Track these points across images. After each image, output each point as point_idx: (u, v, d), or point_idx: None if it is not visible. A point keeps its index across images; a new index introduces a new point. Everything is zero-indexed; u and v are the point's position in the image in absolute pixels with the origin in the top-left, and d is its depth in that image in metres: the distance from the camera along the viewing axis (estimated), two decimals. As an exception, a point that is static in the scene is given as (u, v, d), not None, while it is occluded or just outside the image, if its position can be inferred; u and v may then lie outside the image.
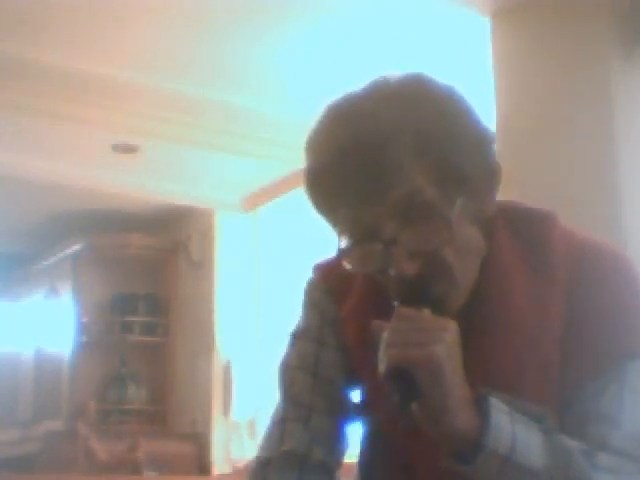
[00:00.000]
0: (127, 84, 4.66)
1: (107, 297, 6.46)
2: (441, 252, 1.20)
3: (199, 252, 6.25)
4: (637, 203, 3.36)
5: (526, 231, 1.31)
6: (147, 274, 6.57)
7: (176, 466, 5.67)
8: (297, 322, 1.43)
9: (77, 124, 4.84)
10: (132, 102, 4.75)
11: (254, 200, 6.02)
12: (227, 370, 5.92)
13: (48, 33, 4.24)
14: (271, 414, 1.40)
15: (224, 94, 4.84)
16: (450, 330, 1.15)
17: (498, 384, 1.20)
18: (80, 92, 4.61)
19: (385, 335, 1.16)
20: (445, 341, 1.14)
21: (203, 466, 5.84)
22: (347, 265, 1.25)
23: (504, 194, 1.30)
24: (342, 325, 1.36)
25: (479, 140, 1.24)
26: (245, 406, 5.86)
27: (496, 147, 1.27)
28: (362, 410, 1.37)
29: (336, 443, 1.36)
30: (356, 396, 1.39)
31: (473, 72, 4.01)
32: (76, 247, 6.44)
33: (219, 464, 5.83)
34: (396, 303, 1.21)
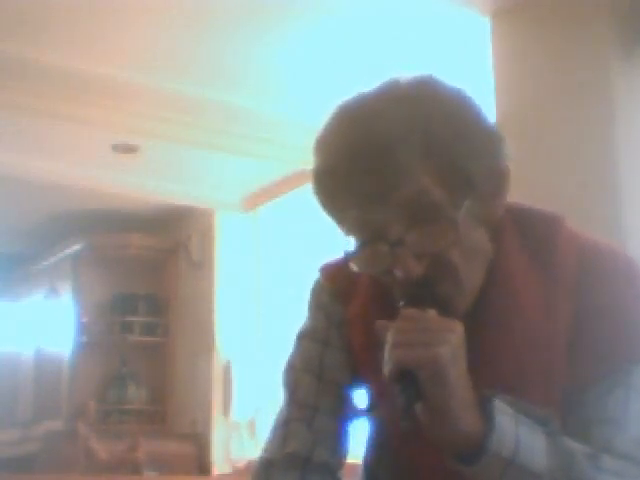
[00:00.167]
0: (127, 84, 4.66)
1: (107, 297, 6.46)
2: (447, 253, 1.20)
3: (199, 252, 6.25)
4: (637, 203, 3.36)
5: (533, 233, 1.31)
6: (147, 274, 6.57)
7: (176, 466, 5.67)
8: (303, 323, 1.43)
9: (77, 124, 4.84)
10: (132, 102, 4.75)
11: (254, 200, 6.02)
12: (227, 370, 5.92)
13: (48, 33, 4.24)
14: (275, 415, 1.39)
15: (224, 94, 4.83)
16: (455, 331, 1.15)
17: (503, 386, 1.20)
18: (80, 92, 4.61)
19: (389, 335, 1.16)
20: (450, 342, 1.13)
21: (203, 466, 5.84)
22: (353, 266, 1.25)
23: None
24: (348, 326, 1.36)
25: (488, 142, 1.24)
26: (245, 406, 5.86)
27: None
28: (367, 411, 1.37)
29: (339, 444, 1.36)
30: (362, 397, 1.38)
31: (473, 72, 4.01)
32: (76, 247, 6.43)
33: (219, 464, 5.83)
34: (401, 304, 1.21)
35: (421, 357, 1.12)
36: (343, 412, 1.35)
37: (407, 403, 1.13)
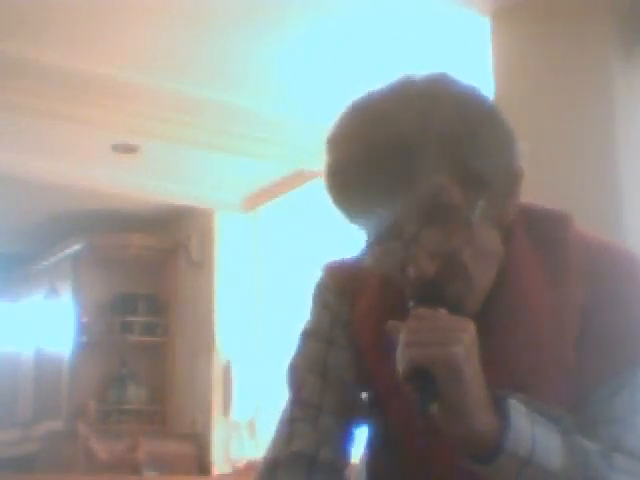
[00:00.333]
0: (127, 84, 4.66)
1: (107, 297, 6.46)
2: (460, 253, 1.20)
3: (199, 252, 6.25)
4: (637, 203, 3.36)
5: (543, 233, 1.31)
6: (147, 274, 6.57)
7: (176, 466, 5.67)
8: (306, 322, 1.42)
9: (77, 124, 4.84)
10: (132, 102, 4.75)
11: (254, 200, 6.02)
12: (227, 370, 5.92)
13: (48, 33, 4.24)
14: (279, 415, 1.38)
15: (224, 94, 4.83)
16: (469, 330, 1.15)
17: (515, 384, 1.20)
18: (80, 92, 4.61)
19: (403, 335, 1.15)
20: (464, 341, 1.13)
21: (203, 466, 5.84)
22: (365, 263, 1.25)
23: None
24: (355, 326, 1.35)
25: (503, 142, 1.24)
26: (245, 406, 5.86)
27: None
28: (372, 411, 1.37)
29: (344, 443, 1.35)
30: (366, 397, 1.38)
31: (473, 72, 4.00)
32: (76, 247, 6.43)
33: (219, 464, 5.83)
34: (412, 303, 1.20)
35: (436, 356, 1.12)
36: (348, 412, 1.35)
37: (422, 403, 1.13)
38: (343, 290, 1.38)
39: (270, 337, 5.91)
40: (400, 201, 1.18)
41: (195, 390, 6.08)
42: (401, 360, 1.14)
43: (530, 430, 1.15)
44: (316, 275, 1.44)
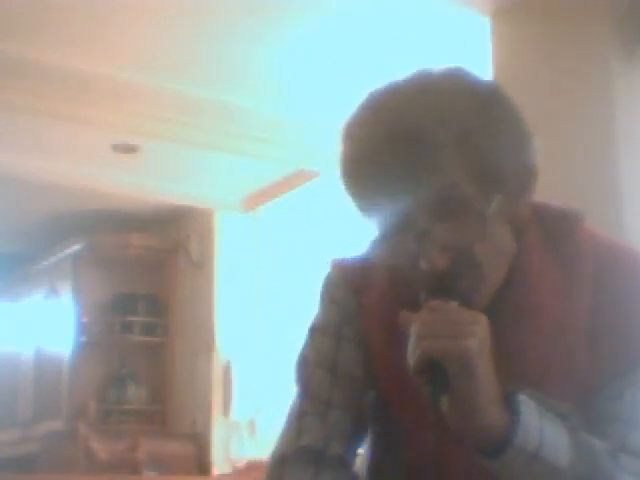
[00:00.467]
0: (127, 84, 4.66)
1: (107, 297, 6.46)
2: (472, 248, 1.20)
3: (199, 252, 6.25)
4: (637, 203, 3.36)
5: (555, 231, 1.32)
6: (147, 274, 6.57)
7: (176, 466, 5.67)
8: (314, 318, 1.41)
9: (77, 124, 4.83)
10: (132, 102, 4.75)
11: (254, 200, 6.02)
12: (227, 370, 5.92)
13: (48, 33, 4.24)
14: (288, 410, 1.38)
15: (224, 94, 4.83)
16: (482, 324, 1.14)
17: (525, 379, 1.20)
18: (80, 92, 4.61)
19: (415, 327, 1.15)
20: (477, 335, 1.13)
21: (203, 466, 5.84)
22: (377, 255, 1.24)
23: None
24: (364, 320, 1.35)
25: (519, 139, 1.24)
26: (245, 406, 5.86)
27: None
28: (377, 408, 1.36)
29: (353, 439, 1.35)
30: (372, 394, 1.37)
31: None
32: (76, 247, 6.43)
33: (219, 464, 5.83)
34: (423, 296, 1.20)
35: (448, 349, 1.11)
36: (356, 407, 1.34)
37: (433, 396, 1.13)
38: (352, 285, 1.37)
39: (270, 337, 5.91)
40: (414, 193, 1.18)
41: (195, 390, 6.08)
42: (413, 352, 1.13)
43: (539, 426, 1.16)
44: (324, 271, 1.44)
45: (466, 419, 1.14)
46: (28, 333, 6.94)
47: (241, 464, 5.59)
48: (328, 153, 5.58)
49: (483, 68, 3.80)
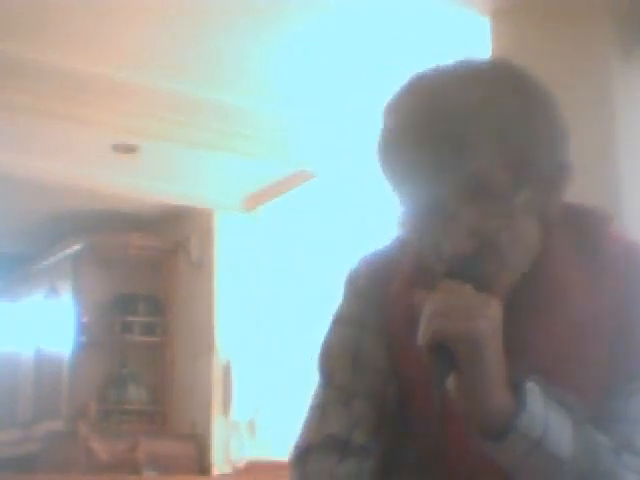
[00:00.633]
0: (127, 84, 4.66)
1: (107, 297, 6.46)
2: (498, 236, 1.20)
3: (199, 252, 6.24)
4: (637, 203, 3.36)
5: (583, 231, 1.33)
6: (147, 274, 6.57)
7: (176, 466, 5.67)
8: (338, 309, 1.41)
9: (76, 124, 4.83)
10: (132, 102, 4.75)
11: (254, 200, 6.01)
12: (227, 370, 5.92)
13: (47, 33, 4.24)
14: (310, 400, 1.38)
15: (224, 94, 4.83)
16: (494, 307, 1.15)
17: (535, 373, 1.20)
18: (79, 92, 4.61)
19: (428, 306, 1.15)
20: (489, 317, 1.14)
21: (203, 466, 5.84)
22: (403, 234, 1.26)
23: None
24: (387, 310, 1.35)
25: (556, 136, 1.25)
26: (245, 406, 5.86)
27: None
28: (400, 398, 1.35)
29: (376, 428, 1.33)
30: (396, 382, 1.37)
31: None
32: (76, 247, 6.43)
33: (219, 464, 5.83)
34: (442, 278, 1.20)
35: (460, 329, 1.12)
36: (380, 397, 1.34)
37: (440, 374, 1.13)
38: (376, 275, 1.38)
39: (270, 337, 5.91)
40: (447, 176, 1.19)
41: (195, 390, 6.08)
42: (424, 330, 1.14)
43: (544, 414, 1.16)
44: (349, 265, 1.44)
45: (471, 400, 1.14)
46: (28, 333, 6.93)
47: (241, 464, 5.59)
48: (328, 153, 5.60)
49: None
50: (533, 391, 1.16)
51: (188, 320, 6.29)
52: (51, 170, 5.40)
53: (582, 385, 1.24)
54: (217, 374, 5.92)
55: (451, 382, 1.14)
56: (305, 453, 1.31)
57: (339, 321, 1.40)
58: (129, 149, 5.23)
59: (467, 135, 1.18)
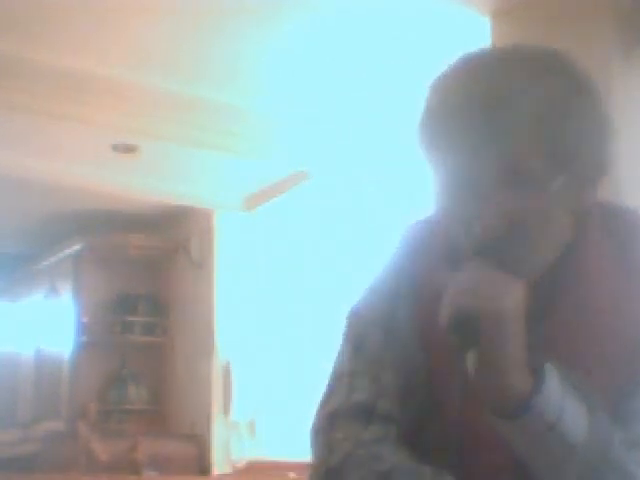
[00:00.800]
0: (126, 84, 4.66)
1: (107, 297, 6.46)
2: (529, 221, 1.21)
3: (199, 252, 6.25)
4: (637, 203, 3.36)
5: (618, 228, 1.33)
6: (147, 274, 6.57)
7: (176, 466, 5.67)
8: (373, 279, 1.40)
9: (77, 124, 4.83)
10: (131, 102, 4.74)
11: (254, 200, 6.01)
12: (227, 370, 5.92)
13: (45, 33, 4.24)
14: (334, 367, 1.36)
15: (223, 94, 4.83)
16: (520, 289, 1.15)
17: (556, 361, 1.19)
18: (79, 92, 4.61)
19: (454, 281, 1.16)
20: (514, 298, 1.14)
21: (203, 466, 5.84)
22: (434, 211, 1.26)
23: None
24: (418, 281, 1.34)
25: (597, 131, 1.26)
26: (245, 406, 5.86)
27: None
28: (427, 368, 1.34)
29: (403, 397, 1.32)
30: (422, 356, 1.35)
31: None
32: (76, 247, 6.44)
33: (219, 464, 5.83)
34: (470, 257, 1.20)
35: (485, 308, 1.12)
36: (408, 369, 1.32)
37: (460, 349, 1.14)
38: (413, 246, 1.37)
39: (270, 337, 5.91)
40: (485, 156, 1.19)
41: (195, 390, 6.08)
42: (448, 305, 1.14)
43: (561, 398, 1.16)
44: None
45: (489, 378, 1.15)
46: (28, 333, 6.94)
47: (241, 464, 5.59)
48: (328, 153, 5.59)
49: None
50: (551, 374, 1.16)
51: (188, 320, 6.29)
52: (51, 170, 5.40)
53: (599, 384, 1.23)
54: (217, 374, 5.93)
55: (470, 359, 1.15)
56: (331, 420, 1.30)
57: (372, 290, 1.38)
58: (129, 149, 5.23)
59: (507, 117, 1.19)
